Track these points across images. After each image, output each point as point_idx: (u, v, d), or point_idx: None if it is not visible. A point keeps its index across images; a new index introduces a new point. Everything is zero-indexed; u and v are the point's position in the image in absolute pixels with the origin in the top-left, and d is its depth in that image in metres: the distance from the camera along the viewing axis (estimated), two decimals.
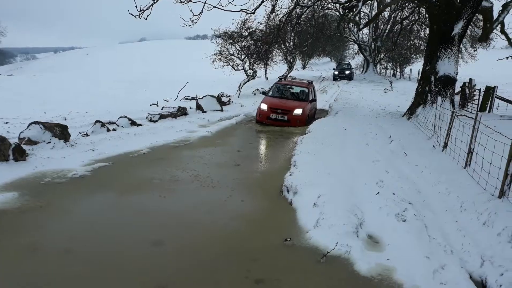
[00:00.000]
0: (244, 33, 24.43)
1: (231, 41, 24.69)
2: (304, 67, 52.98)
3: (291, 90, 14.44)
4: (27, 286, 3.59)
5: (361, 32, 38.46)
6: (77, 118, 11.88)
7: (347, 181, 6.43)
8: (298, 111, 12.80)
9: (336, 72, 36.82)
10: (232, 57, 24.80)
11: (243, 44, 24.70)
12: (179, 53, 68.03)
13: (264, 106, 13.11)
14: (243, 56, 24.47)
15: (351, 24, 32.32)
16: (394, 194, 5.85)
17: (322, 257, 4.27)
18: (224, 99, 17.76)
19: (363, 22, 33.52)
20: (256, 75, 24.72)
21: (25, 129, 7.99)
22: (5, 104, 14.90)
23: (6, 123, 10.50)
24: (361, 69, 44.68)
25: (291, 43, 31.94)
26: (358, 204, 5.53)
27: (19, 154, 6.81)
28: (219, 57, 24.96)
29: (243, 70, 24.45)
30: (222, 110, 15.28)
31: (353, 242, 4.50)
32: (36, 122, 8.08)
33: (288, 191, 6.25)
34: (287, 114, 12.76)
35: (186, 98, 18.39)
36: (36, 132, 7.87)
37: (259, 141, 10.64)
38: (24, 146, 7.20)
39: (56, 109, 13.82)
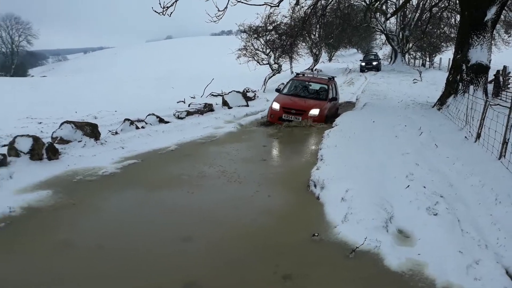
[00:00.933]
0: (268, 27, 24.37)
1: (255, 35, 24.70)
2: (330, 59, 52.36)
3: (309, 88, 13.04)
4: (61, 281, 3.71)
5: (388, 21, 37.57)
6: (107, 116, 12.17)
7: (375, 174, 6.31)
8: (314, 112, 11.45)
9: (363, 64, 36.19)
10: (257, 51, 24.81)
11: (267, 38, 24.67)
12: (204, 49, 68.51)
13: (276, 106, 11.85)
14: (268, 51, 24.44)
15: (378, 13, 31.65)
16: (424, 187, 5.71)
17: (351, 252, 4.22)
18: (250, 94, 17.79)
19: (390, 11, 32.71)
20: (282, 69, 24.64)
21: (57, 129, 8.25)
22: (39, 105, 15.43)
23: (40, 123, 10.87)
24: (389, 60, 43.77)
25: (317, 35, 31.62)
26: (387, 198, 5.42)
27: (52, 153, 7.04)
28: (244, 52, 25.02)
29: (268, 65, 24.42)
30: (247, 106, 15.30)
31: (383, 237, 4.41)
32: (67, 122, 8.32)
33: (315, 186, 6.20)
34: (302, 115, 11.42)
35: (212, 95, 18.52)
36: (67, 131, 8.11)
37: (285, 135, 10.59)
38: (56, 145, 7.43)
39: (87, 108, 14.20)
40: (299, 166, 7.59)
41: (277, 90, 13.37)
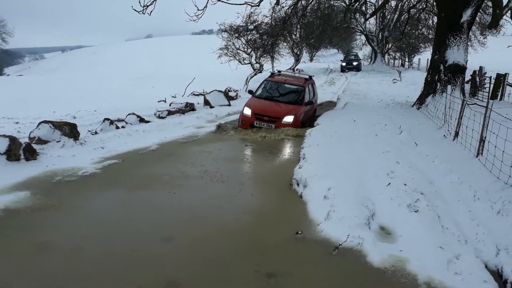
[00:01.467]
0: (249, 27, 24.36)
1: (236, 35, 24.66)
2: (311, 59, 52.72)
3: (283, 90, 11.92)
4: (40, 283, 3.62)
5: (368, 22, 38.08)
6: (86, 116, 11.95)
7: (357, 173, 6.38)
8: (288, 119, 10.52)
9: (344, 64, 36.54)
10: (238, 51, 24.77)
11: (249, 37, 24.65)
12: (185, 48, 68.09)
13: (247, 111, 10.76)
14: (249, 50, 24.43)
15: (358, 14, 32.04)
16: (405, 184, 5.79)
17: (334, 250, 4.24)
18: (232, 93, 17.74)
19: (370, 12, 33.16)
20: (263, 68, 24.67)
21: (35, 129, 8.04)
22: (15, 104, 15.03)
23: (17, 123, 10.60)
24: (369, 60, 44.35)
25: (297, 35, 31.77)
26: (369, 195, 5.48)
27: (30, 153, 6.86)
28: (225, 51, 24.95)
29: (250, 64, 24.41)
30: (229, 105, 15.26)
31: (365, 234, 4.46)
32: (45, 122, 8.13)
33: (298, 184, 6.22)
34: (275, 122, 10.47)
35: (194, 94, 18.39)
36: (45, 131, 7.92)
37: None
38: (34, 146, 7.25)
39: (65, 108, 13.90)
40: (282, 164, 7.61)
41: (250, 92, 12.38)
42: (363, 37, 43.90)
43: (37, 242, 4.30)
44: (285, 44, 31.16)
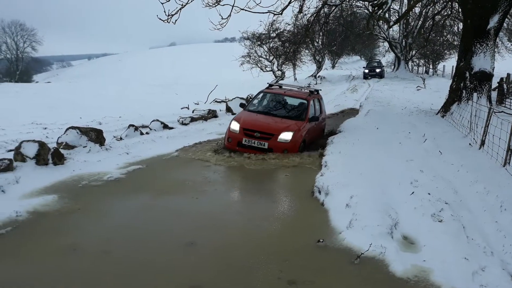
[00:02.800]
0: (272, 34, 24.51)
1: (259, 42, 24.84)
2: (333, 66, 52.51)
3: (282, 103, 10.11)
4: (66, 285, 3.72)
5: (391, 29, 37.73)
6: (111, 122, 12.22)
7: (380, 181, 6.32)
8: (285, 136, 8.54)
9: (366, 71, 36.23)
10: (260, 58, 24.96)
11: (271, 45, 24.80)
12: (208, 56, 68.84)
13: (235, 126, 8.81)
14: (271, 58, 24.57)
15: (381, 21, 31.77)
16: (429, 194, 5.71)
17: (356, 258, 4.21)
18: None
19: (393, 19, 32.87)
20: (285, 75, 24.75)
21: (62, 134, 8.29)
22: (44, 110, 15.51)
23: (45, 128, 10.93)
24: (392, 67, 43.86)
25: (320, 42, 31.75)
26: (392, 204, 5.42)
27: (58, 158, 7.07)
28: (248, 59, 25.19)
29: (272, 71, 24.52)
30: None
31: (388, 243, 4.41)
32: (72, 127, 8.37)
33: (319, 192, 6.20)
34: (268, 139, 8.50)
35: (216, 101, 18.60)
36: (73, 136, 8.15)
37: None
38: (62, 151, 7.46)
39: (91, 114, 14.26)
40: (304, 171, 7.61)
41: (242, 105, 10.51)
42: (386, 44, 43.52)
43: (64, 244, 4.42)
44: (307, 51, 31.18)
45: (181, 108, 16.33)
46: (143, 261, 4.16)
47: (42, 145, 6.96)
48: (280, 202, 6.07)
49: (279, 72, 24.43)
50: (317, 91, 11.07)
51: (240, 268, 4.09)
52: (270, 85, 10.92)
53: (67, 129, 8.37)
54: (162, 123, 11.07)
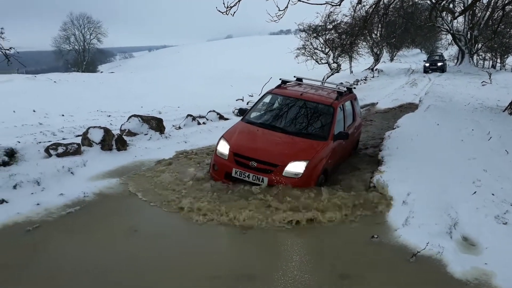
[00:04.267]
0: (328, 26, 24.12)
1: (315, 34, 24.52)
2: (391, 59, 50.72)
3: (296, 111, 6.96)
4: (129, 264, 3.96)
5: (455, 21, 35.70)
6: (170, 112, 12.69)
7: (439, 178, 6.08)
8: (295, 168, 5.78)
9: (427, 64, 34.60)
10: (315, 51, 24.64)
11: (327, 37, 24.40)
12: (263, 49, 69.04)
13: (223, 148, 6.13)
14: (327, 50, 24.19)
15: (444, 12, 30.21)
16: (493, 194, 5.43)
17: (411, 256, 4.12)
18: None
19: (458, 10, 31.09)
20: (340, 68, 24.31)
21: (125, 122, 8.74)
22: (108, 99, 16.37)
23: (109, 116, 11.58)
24: (455, 61, 41.60)
25: (378, 34, 30.80)
26: (451, 203, 5.22)
27: (121, 144, 7.48)
28: (303, 51, 24.94)
29: (327, 64, 24.18)
30: None
31: (446, 243, 4.27)
32: (135, 115, 8.80)
33: (375, 188, 6.09)
34: (270, 172, 5.76)
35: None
36: (135, 124, 8.58)
37: None
38: (125, 137, 7.88)
39: (151, 103, 14.88)
40: (360, 167, 7.49)
41: (242, 112, 7.42)
42: (449, 37, 41.21)
43: (126, 226, 4.70)
44: (364, 43, 30.38)
45: (236, 100, 16.58)
46: (197, 243, 4.35)
47: (107, 131, 7.39)
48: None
49: (335, 65, 23.99)
50: (349, 89, 8.24)
51: (291, 260, 4.15)
52: (284, 82, 7.76)
53: (129, 117, 8.81)
54: (218, 113, 11.32)
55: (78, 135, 8.69)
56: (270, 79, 20.82)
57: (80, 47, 56.71)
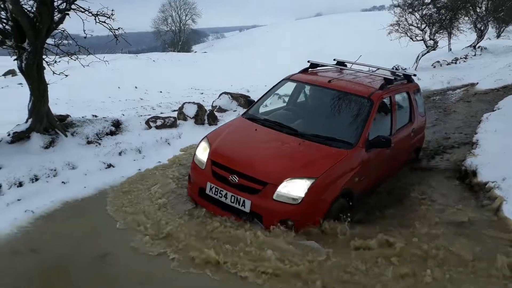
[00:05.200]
0: (425, 1, 22.59)
1: (410, 10, 23.13)
2: (498, 36, 45.89)
3: (318, 106, 5.49)
4: None
5: None
6: (258, 90, 13.04)
7: None
8: (291, 188, 4.02)
9: None
10: (410, 27, 23.28)
11: (424, 12, 22.89)
12: (354, 26, 66.65)
13: (202, 153, 4.71)
14: (423, 26, 22.73)
15: None
16: None
17: None
18: (399, 72, 16.97)
19: None
20: (438, 46, 22.74)
21: (216, 99, 9.28)
22: (200, 77, 17.28)
23: (202, 93, 12.32)
24: None
25: (483, 8, 28.07)
26: None
27: (212, 119, 8.00)
28: (396, 27, 23.71)
29: (423, 41, 22.76)
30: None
31: None
32: (225, 93, 9.30)
33: (466, 171, 5.82)
34: (256, 193, 4.10)
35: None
36: (225, 101, 9.08)
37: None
38: (215, 113, 8.40)
39: (240, 82, 15.42)
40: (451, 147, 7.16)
41: (250, 102, 5.93)
42: None
43: None
44: (466, 18, 27.92)
45: None
46: None
47: (200, 107, 7.95)
48: (424, 177, 5.90)
49: (431, 42, 22.47)
50: (407, 77, 6.23)
51: None
52: (313, 65, 6.00)
53: (220, 94, 9.33)
54: None
55: (174, 110, 9.43)
56: (360, 57, 20.25)
57: (176, 28, 59.73)
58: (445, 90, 13.44)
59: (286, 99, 6.31)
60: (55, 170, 5.39)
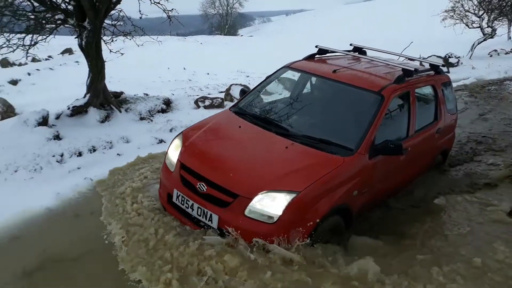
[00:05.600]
0: None
1: None
2: None
3: (318, 100, 4.67)
4: None
5: None
6: None
7: None
8: (266, 204, 3.21)
9: None
10: (467, 13, 22.20)
11: None
12: (406, 11, 64.21)
13: (173, 153, 3.92)
14: (481, 12, 21.60)
15: None
16: None
17: None
18: (452, 60, 16.35)
19: None
20: (496, 33, 21.58)
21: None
22: (246, 61, 17.47)
23: (247, 76, 12.49)
24: None
25: None
26: None
27: None
28: (451, 13, 22.69)
29: (479, 28, 21.67)
30: (448, 72, 14.14)
31: None
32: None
33: None
34: (225, 206, 3.32)
35: (409, 59, 17.65)
36: None
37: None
38: None
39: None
40: None
41: (243, 92, 5.73)
42: None
43: None
44: None
45: None
46: None
47: (247, 89, 8.12)
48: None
49: (489, 29, 21.33)
50: (435, 68, 5.16)
51: None
52: (321, 52, 5.12)
53: (266, 78, 9.45)
54: None
55: (221, 91, 9.69)
56: (411, 43, 19.58)
57: (224, 11, 60.05)
58: (501, 80, 12.82)
59: (286, 90, 5.48)
60: (110, 142, 5.78)
